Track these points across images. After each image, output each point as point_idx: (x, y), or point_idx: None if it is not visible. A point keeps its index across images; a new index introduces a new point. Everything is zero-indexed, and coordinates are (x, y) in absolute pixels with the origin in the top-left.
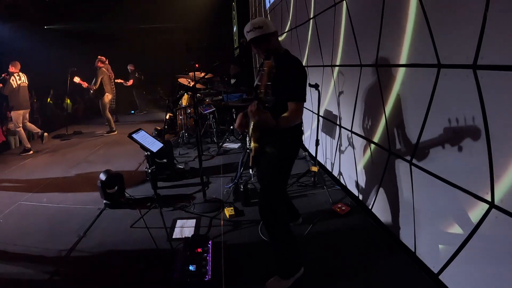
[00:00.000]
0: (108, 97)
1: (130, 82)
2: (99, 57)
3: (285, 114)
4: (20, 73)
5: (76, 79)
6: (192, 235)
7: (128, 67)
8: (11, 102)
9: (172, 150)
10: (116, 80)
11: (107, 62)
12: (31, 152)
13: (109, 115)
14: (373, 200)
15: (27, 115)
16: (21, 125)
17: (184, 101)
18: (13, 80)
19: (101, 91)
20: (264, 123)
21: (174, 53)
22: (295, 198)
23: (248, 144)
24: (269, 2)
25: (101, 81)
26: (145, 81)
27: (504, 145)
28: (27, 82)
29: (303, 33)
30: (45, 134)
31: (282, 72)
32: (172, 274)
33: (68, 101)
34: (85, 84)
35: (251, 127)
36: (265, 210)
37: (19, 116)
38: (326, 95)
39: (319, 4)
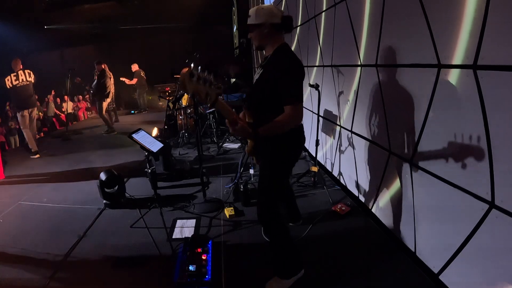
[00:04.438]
0: (106, 100)
1: (134, 81)
2: (100, 60)
3: (279, 118)
4: (20, 72)
5: (78, 80)
6: (192, 235)
7: (132, 67)
8: (12, 102)
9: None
10: (120, 78)
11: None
12: (38, 155)
13: (105, 116)
14: (373, 200)
15: (34, 114)
16: (27, 125)
17: (184, 101)
18: (7, 80)
19: (102, 94)
20: (242, 133)
21: (174, 53)
22: (295, 198)
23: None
24: (269, 1)
25: (103, 84)
26: (146, 81)
27: (504, 145)
28: (28, 80)
29: (305, 33)
30: (37, 155)
31: (274, 70)
32: (172, 274)
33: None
34: (88, 87)
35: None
36: (263, 212)
37: (23, 116)
38: (326, 95)
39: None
